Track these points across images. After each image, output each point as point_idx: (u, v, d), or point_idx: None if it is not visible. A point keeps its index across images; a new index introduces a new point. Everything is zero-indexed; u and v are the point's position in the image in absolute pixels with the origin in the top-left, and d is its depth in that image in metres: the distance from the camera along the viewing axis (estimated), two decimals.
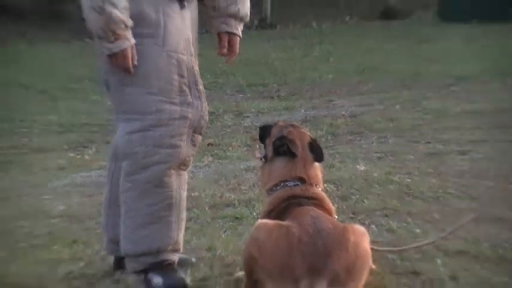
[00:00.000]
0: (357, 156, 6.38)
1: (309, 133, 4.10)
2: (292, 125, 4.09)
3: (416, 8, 16.39)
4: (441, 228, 4.59)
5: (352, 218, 4.75)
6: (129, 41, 3.70)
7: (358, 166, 6.07)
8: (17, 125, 8.19)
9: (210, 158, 6.70)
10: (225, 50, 4.18)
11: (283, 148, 3.92)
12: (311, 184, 3.94)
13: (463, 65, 10.18)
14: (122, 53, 3.72)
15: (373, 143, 6.83)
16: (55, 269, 4.28)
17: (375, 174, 5.78)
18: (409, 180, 5.62)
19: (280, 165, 3.94)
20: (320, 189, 3.98)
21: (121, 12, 3.63)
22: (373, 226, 4.71)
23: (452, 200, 5.16)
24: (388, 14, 15.92)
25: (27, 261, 4.44)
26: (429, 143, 6.69)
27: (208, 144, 7.23)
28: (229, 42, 4.18)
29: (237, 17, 4.12)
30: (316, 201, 3.91)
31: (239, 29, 4.17)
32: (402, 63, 10.59)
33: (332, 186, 5.48)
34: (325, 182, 4.13)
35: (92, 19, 3.65)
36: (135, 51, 3.74)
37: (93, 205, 5.48)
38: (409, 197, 5.25)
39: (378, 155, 6.42)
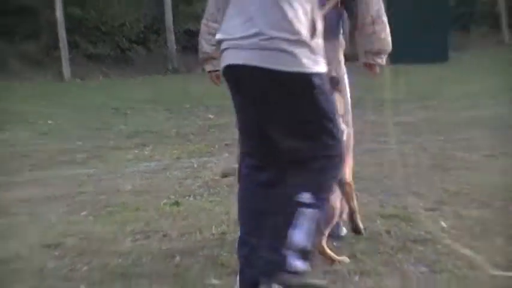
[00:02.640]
0: None
1: None
2: None
3: None
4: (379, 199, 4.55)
5: None
6: (212, 67, 3.65)
7: None
8: (98, 132, 8.19)
9: (226, 154, 6.64)
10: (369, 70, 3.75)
11: None
12: None
13: (391, 92, 10.10)
14: (208, 73, 3.73)
15: None
16: (124, 227, 4.26)
17: None
18: (358, 168, 5.56)
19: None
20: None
21: (209, 46, 3.57)
22: None
23: (386, 181, 5.10)
24: (347, 58, 15.69)
25: (105, 222, 4.42)
26: (370, 142, 6.67)
27: (225, 145, 7.18)
28: (370, 67, 3.73)
29: (372, 52, 3.62)
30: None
31: (376, 59, 3.64)
32: (352, 91, 10.46)
33: None
34: None
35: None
36: (218, 75, 3.62)
37: (151, 185, 5.44)
38: (357, 178, 5.17)
39: None
